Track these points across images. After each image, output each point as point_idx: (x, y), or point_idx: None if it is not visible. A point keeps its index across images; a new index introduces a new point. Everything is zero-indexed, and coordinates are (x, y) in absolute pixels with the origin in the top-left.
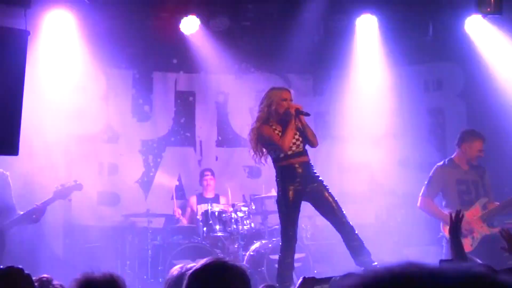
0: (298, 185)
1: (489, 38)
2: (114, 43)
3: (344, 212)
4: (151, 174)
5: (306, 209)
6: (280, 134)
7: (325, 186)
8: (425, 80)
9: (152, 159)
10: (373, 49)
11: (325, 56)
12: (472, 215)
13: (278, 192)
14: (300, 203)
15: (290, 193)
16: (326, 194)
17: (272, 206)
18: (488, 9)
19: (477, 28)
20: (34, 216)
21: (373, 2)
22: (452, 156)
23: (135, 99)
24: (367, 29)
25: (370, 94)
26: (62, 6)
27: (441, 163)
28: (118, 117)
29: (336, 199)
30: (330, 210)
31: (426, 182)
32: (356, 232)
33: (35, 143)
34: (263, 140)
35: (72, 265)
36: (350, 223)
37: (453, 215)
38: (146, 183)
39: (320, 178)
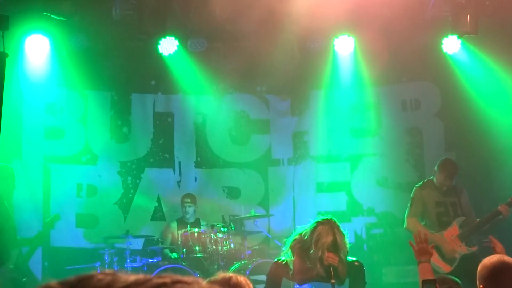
0: None
1: (466, 58)
2: (92, 65)
3: None
4: (130, 195)
5: None
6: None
7: None
8: (403, 99)
9: (131, 180)
10: (351, 69)
11: (303, 76)
12: (450, 234)
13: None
14: None
15: None
16: None
17: (252, 226)
18: (464, 30)
19: (454, 48)
20: None
21: (351, 23)
22: (431, 178)
23: (113, 121)
24: (344, 49)
25: (348, 114)
26: (40, 30)
27: (420, 183)
28: (97, 138)
29: None
30: None
31: (408, 204)
32: None
33: (13, 164)
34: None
35: None
36: None
37: (417, 238)
38: (125, 204)
39: None
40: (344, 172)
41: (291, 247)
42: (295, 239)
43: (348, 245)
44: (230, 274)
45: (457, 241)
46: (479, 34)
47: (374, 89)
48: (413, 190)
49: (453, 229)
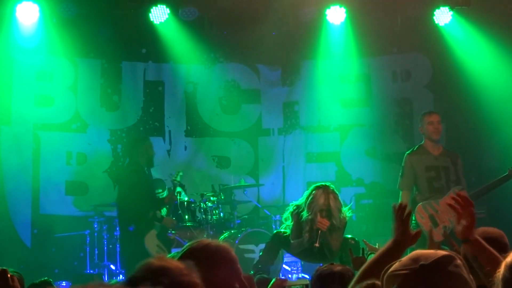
0: None
1: (457, 30)
2: (83, 32)
3: None
4: (120, 163)
5: None
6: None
7: None
8: (393, 71)
9: (121, 148)
10: (342, 40)
11: (295, 46)
12: (445, 203)
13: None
14: None
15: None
16: None
17: (241, 196)
18: (456, 1)
19: (445, 19)
20: None
21: None
22: (421, 143)
23: (103, 89)
24: (336, 20)
25: (338, 85)
26: None
27: (410, 150)
28: (87, 106)
29: None
30: None
31: (400, 174)
32: None
33: (2, 131)
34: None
35: (40, 255)
36: None
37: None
38: (114, 172)
39: None
40: (333, 143)
41: (291, 213)
42: (296, 205)
43: (345, 216)
44: (206, 240)
45: (451, 210)
46: (471, 5)
47: (365, 59)
48: (404, 157)
49: (449, 198)
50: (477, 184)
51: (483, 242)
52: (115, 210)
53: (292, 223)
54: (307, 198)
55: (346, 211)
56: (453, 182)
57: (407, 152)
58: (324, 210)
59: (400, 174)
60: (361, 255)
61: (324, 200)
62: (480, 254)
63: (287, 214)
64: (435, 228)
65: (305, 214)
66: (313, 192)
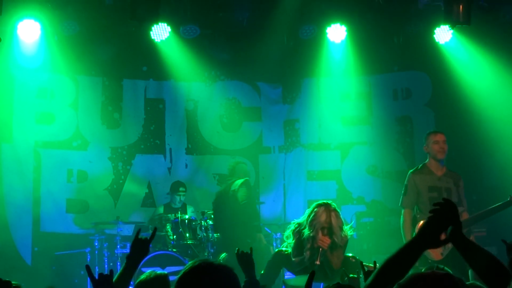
0: None
1: (458, 48)
2: (84, 50)
3: None
4: (121, 181)
5: None
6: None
7: None
8: (394, 89)
9: (121, 166)
10: (343, 58)
11: (295, 64)
12: None
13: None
14: None
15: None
16: None
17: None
18: (457, 20)
19: (446, 38)
20: None
21: (343, 12)
22: (425, 162)
23: (104, 106)
24: (336, 38)
25: (339, 103)
26: (32, 15)
27: (414, 169)
28: (88, 124)
29: None
30: None
31: (402, 192)
32: None
33: (3, 149)
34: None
35: (41, 273)
36: None
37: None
38: (115, 190)
39: None
40: (334, 161)
41: (293, 231)
42: (297, 223)
43: (347, 234)
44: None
45: None
46: (472, 24)
47: (366, 77)
48: (407, 175)
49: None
50: (478, 202)
51: (473, 242)
52: (116, 228)
53: (293, 241)
54: (309, 216)
55: (348, 230)
56: (455, 203)
57: (411, 171)
58: (325, 228)
59: (402, 192)
60: (359, 275)
61: (325, 218)
62: (472, 255)
63: (288, 232)
64: None
65: (306, 232)
66: (315, 210)
